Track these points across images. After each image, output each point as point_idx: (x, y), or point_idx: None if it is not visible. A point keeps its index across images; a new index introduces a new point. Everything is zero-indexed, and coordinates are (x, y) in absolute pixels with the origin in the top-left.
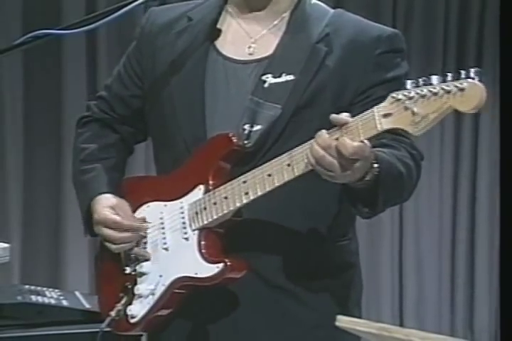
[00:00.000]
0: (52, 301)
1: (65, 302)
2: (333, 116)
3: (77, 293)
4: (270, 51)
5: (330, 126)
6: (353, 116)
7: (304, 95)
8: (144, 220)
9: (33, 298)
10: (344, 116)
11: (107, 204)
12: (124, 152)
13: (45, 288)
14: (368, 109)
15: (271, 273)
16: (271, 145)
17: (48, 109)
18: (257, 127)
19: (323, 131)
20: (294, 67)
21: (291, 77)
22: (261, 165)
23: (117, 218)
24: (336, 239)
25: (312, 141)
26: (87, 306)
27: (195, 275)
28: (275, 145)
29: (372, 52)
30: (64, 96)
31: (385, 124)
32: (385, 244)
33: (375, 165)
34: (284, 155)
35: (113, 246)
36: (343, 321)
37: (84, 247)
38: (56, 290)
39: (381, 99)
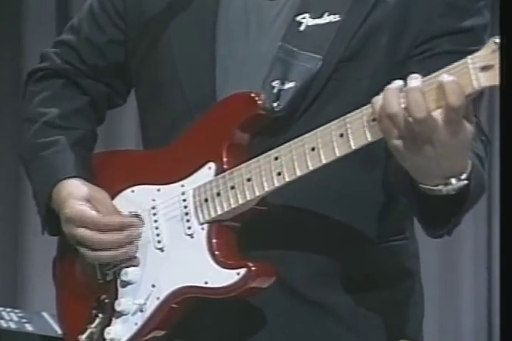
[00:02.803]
0: (12, 325)
1: (28, 327)
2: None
3: (45, 315)
4: None
5: (383, 88)
6: (405, 75)
7: (352, 42)
8: (136, 215)
9: None
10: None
11: (80, 196)
12: (94, 120)
13: (1, 308)
14: (425, 67)
15: (303, 282)
16: (306, 109)
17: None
18: (289, 84)
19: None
20: (340, 3)
21: (335, 18)
22: (294, 136)
23: (98, 216)
24: (388, 238)
25: (381, 95)
26: (59, 331)
27: (205, 285)
28: (312, 109)
29: None
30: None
31: (484, 80)
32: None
33: (463, 177)
34: (334, 122)
35: (92, 253)
36: None
37: (51, 256)
38: (17, 311)
39: (446, 55)
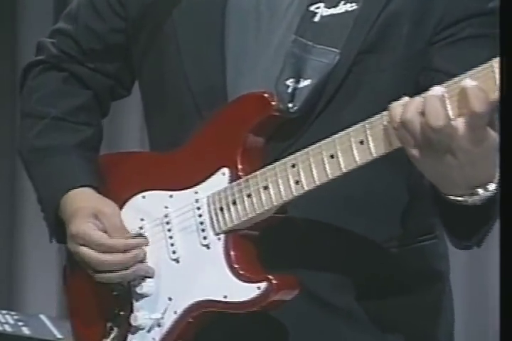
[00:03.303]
0: (8, 328)
1: (25, 330)
2: None
3: (43, 317)
4: None
5: (405, 81)
6: (427, 62)
7: (371, 33)
8: (141, 236)
9: None
10: None
11: (87, 212)
12: (99, 115)
13: None
14: (447, 54)
15: (325, 290)
16: (324, 109)
17: None
18: (304, 82)
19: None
20: None
21: (352, 6)
22: (311, 138)
23: (103, 238)
24: (416, 238)
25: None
26: (58, 335)
27: (224, 300)
28: (330, 109)
29: None
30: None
31: None
32: None
33: (491, 187)
34: (353, 128)
35: (96, 275)
36: None
37: (49, 253)
38: (13, 313)
39: (470, 40)
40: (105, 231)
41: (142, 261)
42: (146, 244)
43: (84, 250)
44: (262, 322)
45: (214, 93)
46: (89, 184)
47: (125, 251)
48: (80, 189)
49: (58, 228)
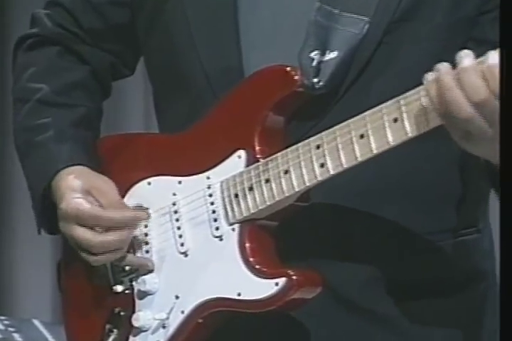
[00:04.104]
0: None
1: (17, 337)
2: None
3: (36, 322)
4: None
5: (444, 52)
6: (478, 32)
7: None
8: (141, 207)
9: None
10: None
11: (78, 187)
12: (97, 94)
13: None
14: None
15: (353, 289)
16: (352, 84)
17: None
18: (330, 55)
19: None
20: None
21: None
22: (339, 118)
23: (97, 210)
24: (456, 232)
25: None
26: None
27: (237, 298)
28: (359, 84)
29: None
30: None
31: None
32: None
33: None
34: (386, 104)
35: (91, 257)
36: None
37: (43, 251)
38: (3, 318)
39: None
40: (100, 206)
41: (136, 248)
42: (148, 217)
43: (78, 229)
44: (279, 325)
45: (229, 73)
46: (83, 163)
47: (124, 226)
48: (73, 167)
49: (47, 216)
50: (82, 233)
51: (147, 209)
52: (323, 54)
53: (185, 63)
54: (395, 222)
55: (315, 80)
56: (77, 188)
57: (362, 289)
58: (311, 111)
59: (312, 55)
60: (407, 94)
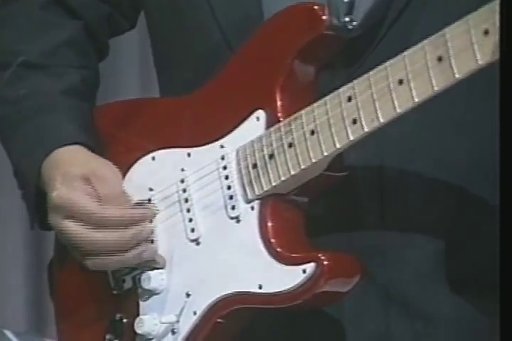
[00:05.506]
0: None
1: None
2: None
3: (8, 333)
4: None
5: None
6: None
7: None
8: (146, 202)
9: None
10: None
11: (76, 173)
12: (92, 55)
13: None
14: None
15: (402, 283)
16: (393, 24)
17: None
18: None
19: None
20: None
21: None
22: (376, 64)
23: (93, 206)
24: None
25: None
26: None
27: (258, 291)
28: (402, 23)
29: None
30: None
31: None
32: None
33: None
34: (429, 40)
35: (88, 261)
36: None
37: (14, 253)
38: None
39: None
40: (99, 200)
41: (148, 240)
42: (155, 215)
43: (70, 225)
44: (310, 325)
45: (247, 24)
46: (79, 141)
47: (125, 225)
48: (67, 147)
49: (43, 209)
50: (74, 228)
51: (154, 204)
52: None
53: (194, 12)
54: (459, 200)
55: (347, 19)
56: (74, 175)
57: (413, 282)
58: (344, 58)
59: None
60: (452, 26)
